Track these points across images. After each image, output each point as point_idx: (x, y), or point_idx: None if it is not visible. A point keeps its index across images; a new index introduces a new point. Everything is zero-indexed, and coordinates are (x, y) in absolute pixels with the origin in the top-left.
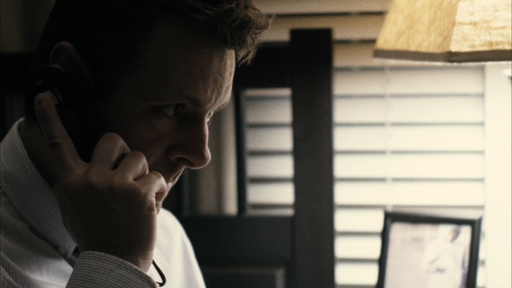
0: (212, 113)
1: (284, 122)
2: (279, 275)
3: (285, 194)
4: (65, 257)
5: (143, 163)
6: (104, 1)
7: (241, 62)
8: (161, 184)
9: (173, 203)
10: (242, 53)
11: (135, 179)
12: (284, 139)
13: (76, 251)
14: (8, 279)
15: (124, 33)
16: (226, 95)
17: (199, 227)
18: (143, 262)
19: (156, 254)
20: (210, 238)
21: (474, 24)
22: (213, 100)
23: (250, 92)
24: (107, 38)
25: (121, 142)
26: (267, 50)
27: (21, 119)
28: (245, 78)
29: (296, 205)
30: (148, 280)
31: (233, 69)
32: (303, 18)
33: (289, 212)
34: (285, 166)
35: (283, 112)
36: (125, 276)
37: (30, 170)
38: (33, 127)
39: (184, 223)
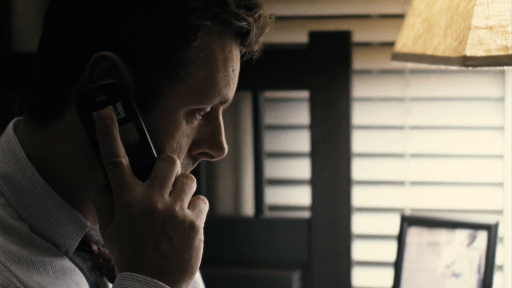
0: None
1: (302, 124)
2: (295, 277)
3: (302, 196)
4: (66, 255)
5: (194, 188)
6: (156, 12)
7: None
8: (207, 209)
9: None
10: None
11: (189, 207)
12: (302, 141)
13: (78, 250)
14: (19, 286)
15: (176, 43)
16: None
17: (216, 228)
18: None
19: None
20: (227, 239)
21: (490, 28)
22: (233, 96)
23: (269, 94)
24: (158, 47)
25: (178, 165)
26: (286, 52)
27: (16, 119)
28: (264, 79)
29: (313, 207)
30: None
31: None
32: (322, 20)
33: (306, 214)
34: (302, 168)
35: (301, 114)
36: None
37: (29, 171)
38: (34, 128)
39: None
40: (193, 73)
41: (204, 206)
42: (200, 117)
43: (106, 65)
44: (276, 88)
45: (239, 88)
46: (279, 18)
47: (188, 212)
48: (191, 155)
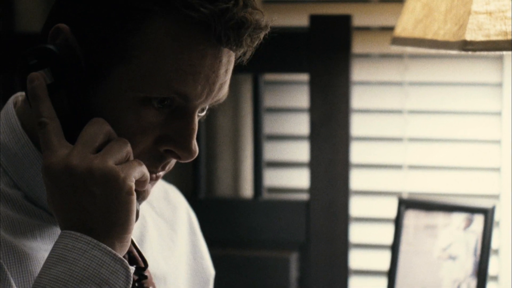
0: (206, 108)
1: (302, 107)
2: (293, 258)
3: (301, 179)
4: None
5: (127, 150)
6: None
7: (237, 61)
8: (142, 171)
9: (190, 185)
10: (239, 52)
11: (116, 165)
12: (301, 124)
13: None
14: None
15: (118, 23)
16: (220, 92)
17: (215, 210)
18: (119, 245)
19: (160, 224)
20: (226, 221)
21: (490, 13)
22: (204, 97)
23: (269, 77)
24: (101, 26)
25: (107, 128)
26: (286, 35)
27: (18, 93)
28: (264, 62)
29: (312, 189)
30: (121, 262)
31: (230, 66)
32: (322, 4)
33: (305, 196)
34: (301, 151)
35: (301, 97)
36: (99, 257)
37: (23, 139)
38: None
39: (201, 205)
40: (137, 58)
41: (137, 165)
42: (160, 109)
43: (62, 37)
44: (276, 71)
45: (240, 70)
46: (280, 2)
47: (110, 165)
48: (158, 151)
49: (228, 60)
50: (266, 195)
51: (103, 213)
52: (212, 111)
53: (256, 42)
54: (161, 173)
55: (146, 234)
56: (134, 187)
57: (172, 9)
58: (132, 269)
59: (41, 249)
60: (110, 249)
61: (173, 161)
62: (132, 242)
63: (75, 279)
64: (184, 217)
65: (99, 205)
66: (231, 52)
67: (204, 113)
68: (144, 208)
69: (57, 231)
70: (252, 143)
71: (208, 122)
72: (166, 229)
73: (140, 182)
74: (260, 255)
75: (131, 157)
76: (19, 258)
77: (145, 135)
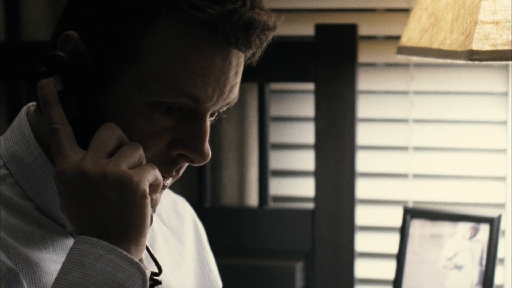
0: (217, 111)
1: (307, 116)
2: (299, 267)
3: (306, 188)
4: (72, 235)
5: (139, 154)
6: None
7: (247, 63)
8: (155, 175)
9: (196, 194)
10: (249, 53)
11: (129, 169)
12: (307, 133)
13: None
14: (4, 260)
15: (126, 26)
16: (231, 95)
17: (221, 218)
18: (135, 249)
19: (169, 236)
20: (231, 229)
21: (497, 23)
22: (215, 99)
23: (274, 86)
24: (109, 31)
25: (119, 133)
26: (292, 45)
27: (30, 104)
28: (270, 71)
29: (317, 198)
30: (138, 266)
31: (240, 68)
32: (328, 13)
33: (310, 205)
34: (307, 160)
35: (307, 106)
36: (115, 262)
37: (36, 151)
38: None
39: (206, 214)
40: (146, 61)
41: (151, 169)
42: (172, 113)
43: (71, 44)
44: (282, 80)
45: (245, 79)
46: (286, 11)
47: (123, 169)
48: (171, 155)
49: (238, 62)
50: (271, 204)
51: (118, 217)
52: (218, 120)
53: (265, 43)
54: (171, 180)
55: (156, 246)
56: (148, 191)
57: (179, 11)
58: (148, 273)
59: (53, 261)
60: (126, 253)
61: (185, 166)
62: (146, 247)
63: (91, 284)
64: (191, 230)
65: (114, 210)
66: (240, 53)
67: (214, 117)
68: (154, 219)
69: (69, 243)
70: (258, 152)
71: (214, 130)
72: (174, 241)
73: (154, 186)
74: (266, 264)
75: (144, 161)
76: (32, 269)
77: (157, 139)
